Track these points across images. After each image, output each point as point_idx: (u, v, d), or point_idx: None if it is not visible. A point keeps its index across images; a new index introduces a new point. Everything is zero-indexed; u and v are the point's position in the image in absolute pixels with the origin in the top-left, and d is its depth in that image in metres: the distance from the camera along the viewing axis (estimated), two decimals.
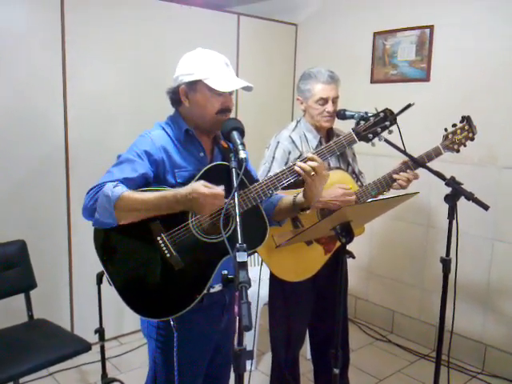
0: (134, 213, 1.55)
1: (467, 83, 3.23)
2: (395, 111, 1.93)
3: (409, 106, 1.99)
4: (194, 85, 1.66)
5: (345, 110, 2.28)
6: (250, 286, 1.19)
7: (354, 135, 1.85)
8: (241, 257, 1.24)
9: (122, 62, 3.32)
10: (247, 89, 1.69)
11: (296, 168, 1.67)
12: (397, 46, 3.60)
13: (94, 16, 3.15)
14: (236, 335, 1.24)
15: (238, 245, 1.27)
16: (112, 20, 3.24)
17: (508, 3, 3.01)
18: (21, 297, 2.74)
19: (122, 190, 1.52)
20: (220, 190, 1.52)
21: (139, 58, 3.38)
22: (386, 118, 1.87)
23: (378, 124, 1.86)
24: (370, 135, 1.87)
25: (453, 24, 3.27)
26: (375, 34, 3.72)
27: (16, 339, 2.54)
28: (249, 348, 1.25)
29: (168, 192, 1.55)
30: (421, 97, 3.40)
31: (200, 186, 1.51)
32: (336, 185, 2.25)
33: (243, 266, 1.22)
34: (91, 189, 1.57)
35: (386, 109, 1.89)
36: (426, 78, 3.44)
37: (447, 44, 3.32)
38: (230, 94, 1.70)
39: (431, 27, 3.37)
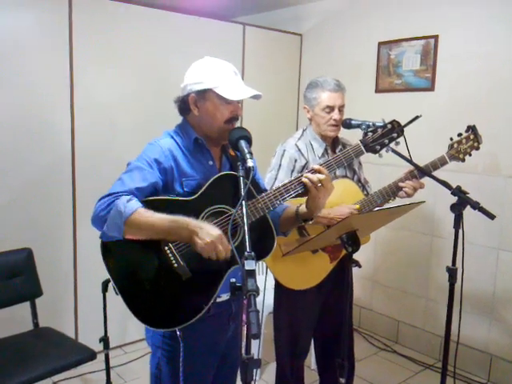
0: (142, 232, 1.54)
1: (472, 92, 3.24)
2: (401, 121, 1.94)
3: (416, 117, 2.00)
4: (204, 93, 1.67)
5: (351, 119, 2.28)
6: (258, 294, 1.19)
7: (361, 147, 1.85)
8: (249, 265, 1.24)
9: (129, 71, 3.35)
10: (256, 97, 1.70)
11: (304, 179, 1.68)
12: (401, 56, 3.61)
13: (101, 27, 3.18)
14: (244, 343, 1.23)
15: (246, 253, 1.27)
16: (119, 30, 3.26)
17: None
18: (26, 305, 2.75)
19: (135, 207, 1.51)
20: (229, 246, 1.51)
21: (146, 67, 3.41)
22: (394, 130, 1.87)
23: (385, 136, 1.87)
24: (378, 147, 1.87)
25: (457, 34, 3.29)
26: (380, 43, 3.74)
27: (21, 347, 2.54)
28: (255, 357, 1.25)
29: (183, 220, 1.53)
30: (426, 106, 3.42)
31: (216, 230, 1.51)
32: (344, 204, 2.28)
33: (251, 274, 1.22)
34: (103, 197, 1.56)
35: (394, 120, 1.89)
36: (431, 88, 3.45)
37: (452, 53, 3.34)
38: (239, 102, 1.71)
39: (436, 37, 3.39)
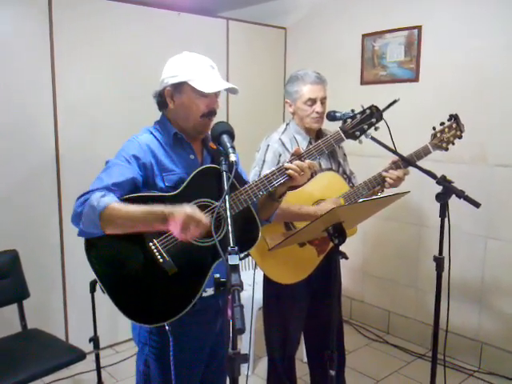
0: (119, 225, 1.52)
1: (456, 82, 3.25)
2: (387, 112, 1.94)
3: (394, 101, 2.00)
4: (179, 87, 1.67)
5: (335, 112, 2.27)
6: (242, 288, 1.19)
7: (341, 133, 1.86)
8: (232, 260, 1.23)
9: (111, 68, 3.32)
10: (233, 91, 1.70)
11: (290, 172, 1.68)
12: (386, 47, 3.62)
13: (81, 24, 3.15)
14: (230, 339, 1.23)
15: (229, 248, 1.26)
16: (100, 27, 3.24)
17: (495, 2, 3.03)
18: (14, 307, 2.73)
19: (108, 201, 1.50)
20: (207, 220, 1.49)
21: (128, 64, 3.38)
22: (373, 115, 1.88)
23: (364, 121, 1.88)
24: (357, 132, 1.88)
25: (441, 24, 3.30)
26: (364, 35, 3.74)
27: (10, 350, 2.53)
28: (245, 352, 1.24)
29: (156, 207, 1.52)
30: (410, 97, 3.42)
31: (188, 208, 1.49)
32: (329, 199, 2.28)
33: (235, 268, 1.22)
34: (81, 196, 1.56)
35: (372, 105, 1.90)
36: (415, 78, 3.46)
37: (435, 44, 3.34)
38: (216, 96, 1.70)
39: (419, 27, 3.39)
